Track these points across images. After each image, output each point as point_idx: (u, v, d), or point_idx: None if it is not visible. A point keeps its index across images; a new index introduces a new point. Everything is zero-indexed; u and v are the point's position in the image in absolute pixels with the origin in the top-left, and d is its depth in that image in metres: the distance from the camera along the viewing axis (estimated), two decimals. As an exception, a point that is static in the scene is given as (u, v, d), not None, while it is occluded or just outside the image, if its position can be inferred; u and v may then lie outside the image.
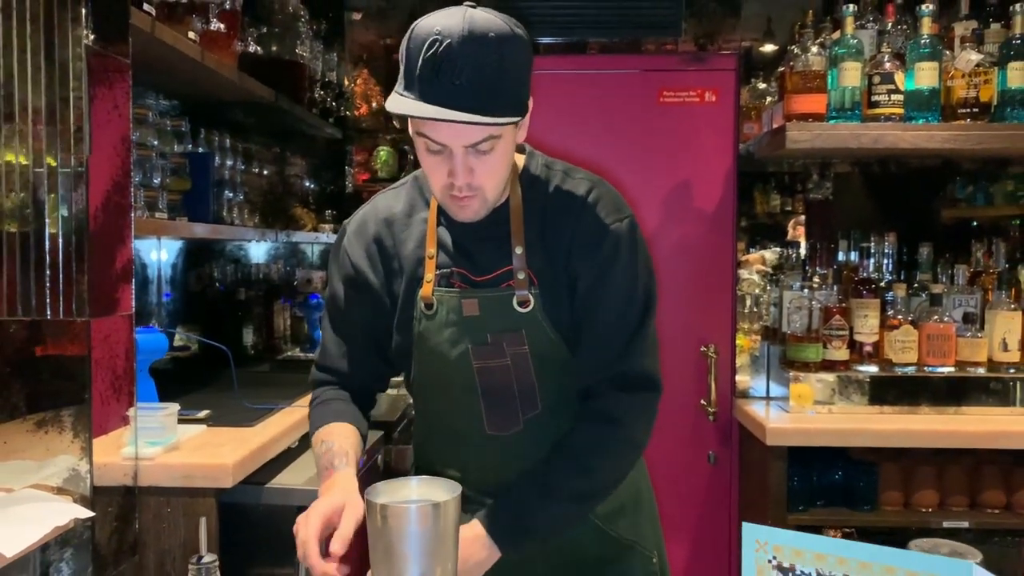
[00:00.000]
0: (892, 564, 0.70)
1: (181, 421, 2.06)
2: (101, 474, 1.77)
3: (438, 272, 1.41)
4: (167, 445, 1.90)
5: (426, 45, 1.20)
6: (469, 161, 1.28)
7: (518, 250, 1.39)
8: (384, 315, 1.47)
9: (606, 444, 1.38)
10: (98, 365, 1.74)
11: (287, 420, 2.29)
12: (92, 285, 1.68)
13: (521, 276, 1.38)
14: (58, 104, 1.63)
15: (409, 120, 1.29)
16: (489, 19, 1.22)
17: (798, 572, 0.74)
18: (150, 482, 1.84)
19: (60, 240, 1.64)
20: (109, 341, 1.80)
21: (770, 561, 0.75)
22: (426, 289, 1.40)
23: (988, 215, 3.41)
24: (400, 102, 1.24)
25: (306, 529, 1.20)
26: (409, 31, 1.25)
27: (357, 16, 3.72)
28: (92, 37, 1.68)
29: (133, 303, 1.85)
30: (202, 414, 2.23)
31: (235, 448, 1.96)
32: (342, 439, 1.39)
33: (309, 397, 1.56)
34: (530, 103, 1.33)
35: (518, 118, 1.27)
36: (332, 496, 1.25)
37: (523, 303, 1.38)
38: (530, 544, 1.35)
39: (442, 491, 1.09)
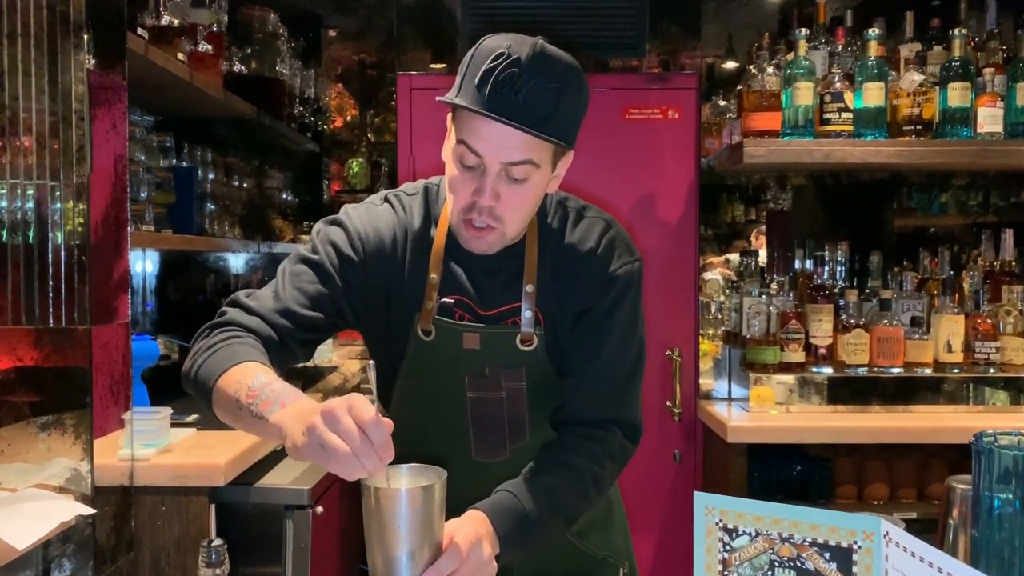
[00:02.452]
0: (816, 521, 0.83)
1: (172, 425, 2.15)
2: (99, 475, 1.86)
3: (440, 301, 1.36)
4: (161, 447, 2.00)
5: (492, 55, 1.20)
6: (499, 185, 1.24)
7: (528, 288, 1.35)
8: (367, 309, 1.37)
9: (602, 479, 1.37)
10: (98, 370, 1.84)
11: (273, 423, 2.39)
12: (93, 295, 1.78)
13: (529, 314, 1.34)
14: (61, 124, 1.73)
15: (451, 129, 1.27)
16: (560, 52, 1.24)
17: (740, 532, 0.87)
18: (145, 482, 1.94)
19: (63, 252, 1.74)
20: (108, 348, 1.90)
21: (717, 524, 0.89)
22: (426, 315, 1.35)
23: (936, 223, 3.60)
24: (455, 97, 1.22)
25: (333, 405, 1.02)
26: (476, 45, 1.24)
27: (333, 33, 3.83)
28: (93, 61, 1.79)
29: (130, 312, 1.96)
30: (191, 418, 2.32)
31: (226, 449, 2.06)
32: (281, 381, 1.17)
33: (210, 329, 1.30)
34: (571, 155, 1.33)
35: (563, 146, 1.27)
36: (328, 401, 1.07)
37: (526, 341, 1.35)
38: (521, 552, 1.27)
39: (430, 476, 1.21)
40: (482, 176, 1.24)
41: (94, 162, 1.79)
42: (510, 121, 1.19)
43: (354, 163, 4.15)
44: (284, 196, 3.89)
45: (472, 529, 1.19)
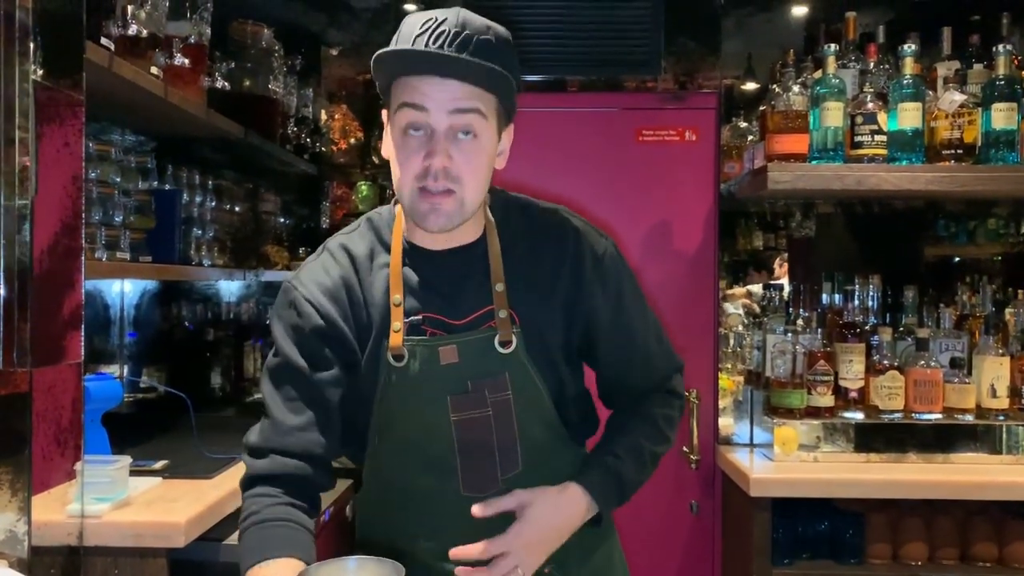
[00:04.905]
0: None
1: (135, 473, 1.95)
2: (42, 534, 1.66)
3: (407, 321, 1.30)
4: (117, 501, 1.80)
5: (420, 23, 1.21)
6: (450, 146, 1.23)
7: (498, 287, 1.31)
8: (354, 365, 1.34)
9: (673, 417, 1.46)
10: (40, 417, 1.64)
11: (249, 471, 2.19)
12: (35, 332, 1.59)
13: (503, 315, 1.30)
14: (2, 141, 1.54)
15: (389, 115, 1.27)
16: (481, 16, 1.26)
17: None
18: (97, 541, 1.72)
19: (1, 286, 1.54)
20: (54, 391, 1.70)
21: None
22: (395, 339, 1.29)
23: (970, 253, 3.37)
24: (388, 50, 1.22)
25: None
26: (400, 27, 1.26)
27: (334, 52, 3.66)
28: (41, 72, 1.60)
29: (82, 351, 1.75)
30: (158, 465, 2.12)
31: (190, 503, 1.86)
32: None
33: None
34: (510, 132, 1.34)
35: (503, 98, 1.27)
36: None
37: (505, 343, 1.31)
38: (618, 501, 1.36)
39: (383, 573, 1.00)
40: (431, 138, 1.23)
41: (41, 184, 1.60)
42: (450, 54, 1.18)
43: (363, 186, 3.97)
44: (279, 220, 3.71)
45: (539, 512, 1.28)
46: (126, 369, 2.88)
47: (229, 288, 3.68)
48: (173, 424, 2.55)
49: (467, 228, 1.33)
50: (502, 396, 1.32)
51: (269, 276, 3.37)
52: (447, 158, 1.23)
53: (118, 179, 2.29)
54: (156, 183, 2.59)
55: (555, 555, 1.33)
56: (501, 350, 1.30)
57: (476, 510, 1.27)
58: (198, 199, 2.82)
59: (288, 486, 1.28)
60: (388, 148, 1.30)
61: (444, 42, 1.19)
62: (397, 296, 1.31)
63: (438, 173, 1.22)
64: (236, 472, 2.14)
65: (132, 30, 1.96)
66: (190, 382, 3.08)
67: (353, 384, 1.35)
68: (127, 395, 2.79)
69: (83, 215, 1.75)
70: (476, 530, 1.27)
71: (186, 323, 3.26)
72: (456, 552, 1.25)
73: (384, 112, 1.32)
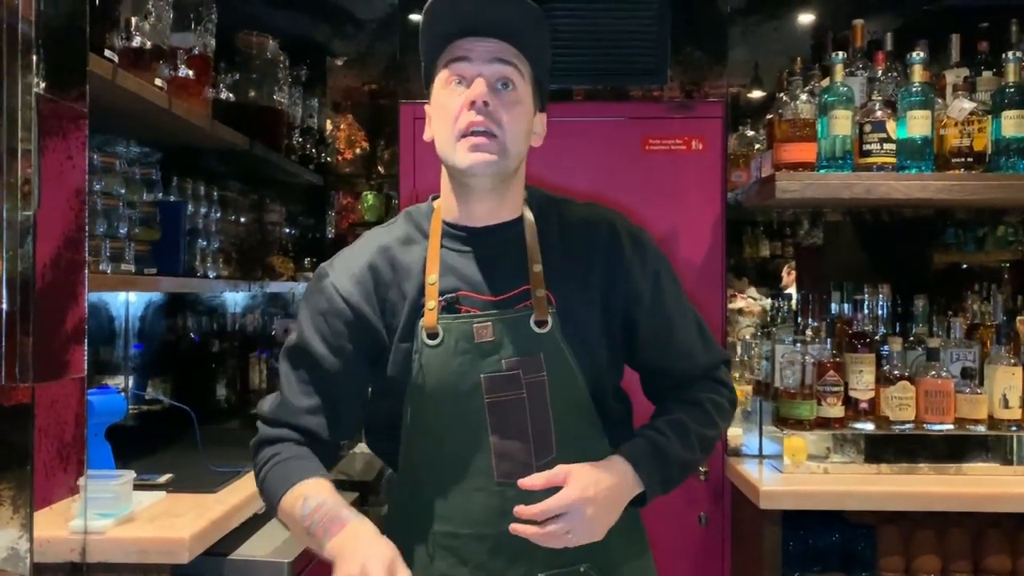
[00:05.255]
0: None
1: (139, 487, 1.94)
2: (45, 550, 1.64)
3: (442, 298, 1.32)
4: (120, 517, 1.78)
5: None
6: (490, 96, 1.27)
7: (536, 268, 1.32)
8: (380, 354, 1.35)
9: (722, 404, 1.43)
10: (43, 433, 1.63)
11: (254, 484, 2.16)
12: (38, 347, 1.57)
13: (540, 294, 1.31)
14: (4, 154, 1.53)
15: (434, 89, 1.33)
16: None
17: None
18: (99, 558, 1.71)
19: (3, 299, 1.53)
20: (56, 407, 1.69)
21: None
22: (429, 317, 1.30)
23: (980, 260, 3.34)
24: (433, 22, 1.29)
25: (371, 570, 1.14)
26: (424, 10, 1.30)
27: (339, 62, 3.66)
28: (44, 85, 1.59)
29: (86, 365, 1.74)
30: (163, 479, 2.11)
31: (194, 518, 1.84)
32: (333, 495, 1.27)
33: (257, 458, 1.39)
34: (544, 119, 1.39)
35: (538, 64, 1.33)
36: (380, 547, 1.18)
37: (541, 323, 1.31)
38: (663, 478, 1.33)
39: None
40: (471, 84, 1.28)
41: (44, 197, 1.59)
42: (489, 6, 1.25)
43: (369, 195, 3.96)
44: (286, 231, 3.70)
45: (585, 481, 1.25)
46: (131, 381, 2.87)
47: (234, 299, 3.67)
48: (178, 436, 2.54)
49: (506, 204, 1.37)
50: (537, 378, 1.30)
51: (275, 287, 3.36)
52: (487, 98, 1.27)
53: (123, 191, 2.28)
54: (161, 194, 2.57)
55: (593, 555, 1.32)
56: (537, 329, 1.30)
57: (524, 483, 1.25)
58: (203, 210, 2.81)
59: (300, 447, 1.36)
60: (429, 126, 1.35)
61: (480, 5, 1.27)
62: (433, 276, 1.32)
63: (481, 110, 1.26)
64: (242, 485, 2.13)
65: (136, 42, 1.96)
66: (195, 394, 3.06)
67: (384, 373, 1.35)
68: (132, 407, 2.78)
69: (87, 228, 1.74)
70: (508, 518, 1.26)
71: (191, 334, 3.25)
72: (524, 482, 1.26)
73: (426, 108, 1.37)
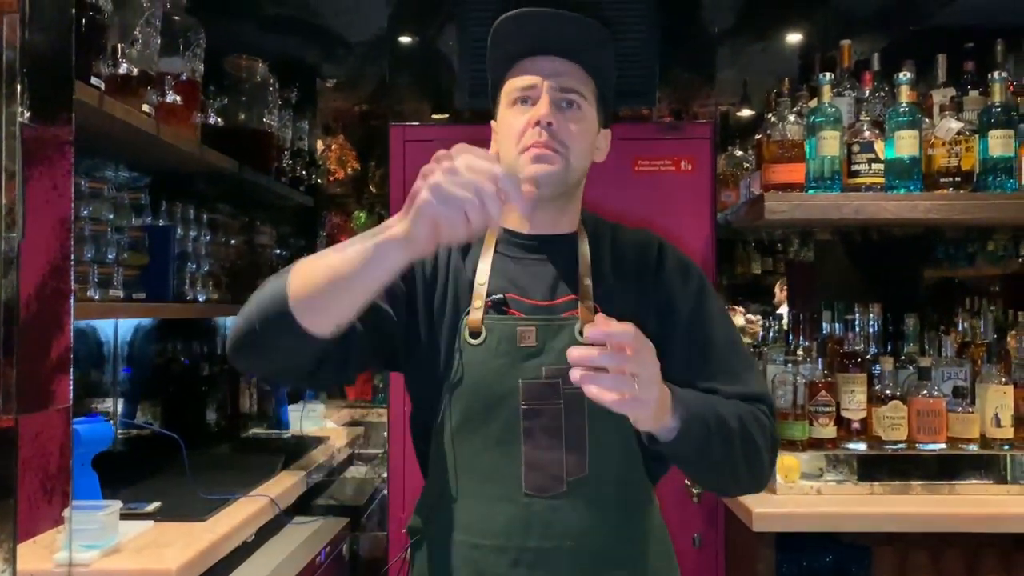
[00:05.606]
0: None
1: (127, 516, 1.92)
2: (30, 583, 1.62)
3: (489, 299, 1.32)
4: (106, 548, 1.76)
5: (516, 12, 1.32)
6: (554, 113, 1.30)
7: (586, 281, 1.34)
8: (405, 330, 1.32)
9: (764, 422, 1.32)
10: (27, 465, 1.61)
11: (243, 511, 2.15)
12: (22, 378, 1.56)
13: (588, 304, 1.32)
14: (-11, 184, 1.52)
15: (499, 106, 1.36)
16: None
17: None
18: (85, 590, 1.69)
19: (-13, 331, 1.52)
20: (41, 438, 1.67)
21: None
22: (474, 316, 1.31)
23: (970, 275, 3.34)
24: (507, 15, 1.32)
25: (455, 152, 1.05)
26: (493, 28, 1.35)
27: (329, 84, 3.67)
28: (28, 115, 1.58)
29: (71, 395, 1.72)
30: (151, 507, 2.08)
31: (182, 548, 1.82)
32: None
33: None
34: (608, 135, 1.43)
35: (603, 82, 1.37)
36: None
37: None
38: (689, 427, 1.20)
39: None
40: (537, 101, 1.31)
41: (28, 227, 1.58)
42: (550, 11, 1.30)
43: (361, 214, 3.96)
44: (276, 252, 3.68)
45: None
46: (120, 405, 2.84)
47: (225, 323, 3.65)
48: (167, 463, 2.52)
49: (565, 216, 1.40)
50: (576, 389, 1.23)
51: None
52: (551, 116, 1.30)
53: (111, 216, 2.27)
54: (150, 219, 2.57)
55: (624, 560, 1.30)
56: (581, 339, 1.28)
57: (588, 329, 1.10)
58: (193, 234, 2.80)
59: None
60: (495, 142, 1.39)
61: (544, 23, 1.31)
62: (483, 276, 1.33)
63: (544, 128, 1.29)
64: (232, 512, 2.11)
65: (123, 69, 1.95)
66: (186, 418, 3.04)
67: (423, 369, 1.34)
68: (120, 432, 2.75)
69: (72, 257, 1.73)
70: (533, 533, 1.26)
71: (181, 358, 3.23)
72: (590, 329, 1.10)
73: (492, 124, 1.41)
